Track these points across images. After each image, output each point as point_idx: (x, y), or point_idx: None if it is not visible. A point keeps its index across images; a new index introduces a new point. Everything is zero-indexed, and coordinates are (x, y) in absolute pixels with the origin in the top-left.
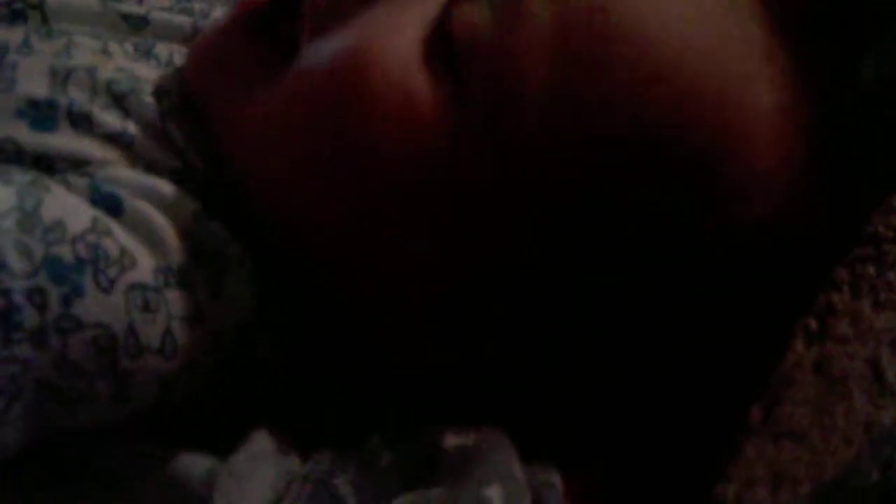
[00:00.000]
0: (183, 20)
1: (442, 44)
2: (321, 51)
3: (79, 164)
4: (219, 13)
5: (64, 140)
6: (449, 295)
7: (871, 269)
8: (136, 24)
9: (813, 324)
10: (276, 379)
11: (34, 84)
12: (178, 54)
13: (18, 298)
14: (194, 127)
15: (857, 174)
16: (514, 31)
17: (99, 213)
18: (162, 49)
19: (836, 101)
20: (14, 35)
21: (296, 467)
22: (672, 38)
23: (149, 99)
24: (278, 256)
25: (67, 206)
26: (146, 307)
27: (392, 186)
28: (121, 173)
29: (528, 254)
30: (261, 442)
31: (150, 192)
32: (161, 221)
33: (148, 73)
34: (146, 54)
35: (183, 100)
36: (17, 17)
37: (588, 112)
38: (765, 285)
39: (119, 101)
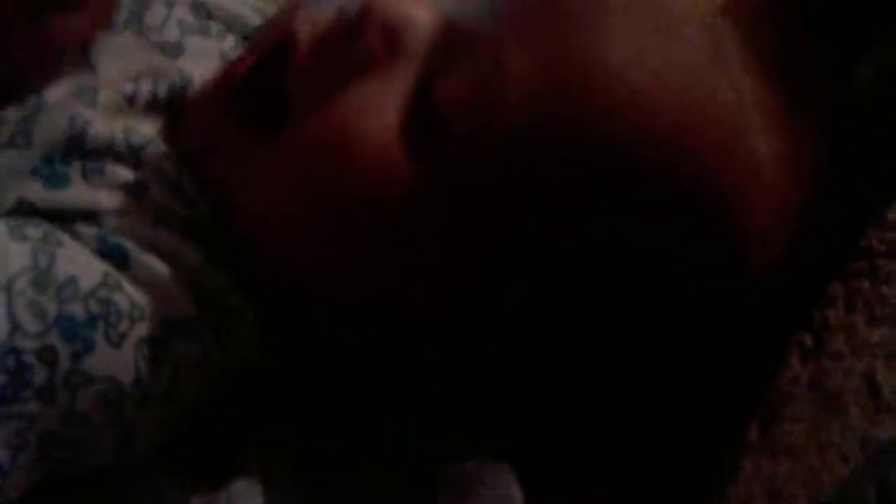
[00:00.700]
0: (210, 44)
1: (423, 114)
2: (310, 128)
3: (89, 216)
4: (230, 41)
5: (76, 194)
6: (449, 318)
7: (866, 284)
8: (174, 53)
9: (808, 340)
10: (272, 399)
11: (49, 141)
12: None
13: (28, 358)
14: (202, 179)
15: (857, 177)
16: (495, 95)
17: (108, 267)
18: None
19: (834, 133)
20: (56, 91)
21: (296, 490)
22: (657, 95)
23: (164, 148)
24: (280, 291)
25: (80, 262)
26: (154, 359)
27: (387, 243)
28: (128, 225)
29: (526, 288)
30: (260, 465)
31: (156, 244)
32: (167, 274)
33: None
34: (183, 89)
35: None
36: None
37: (576, 170)
38: (764, 318)
39: (135, 152)
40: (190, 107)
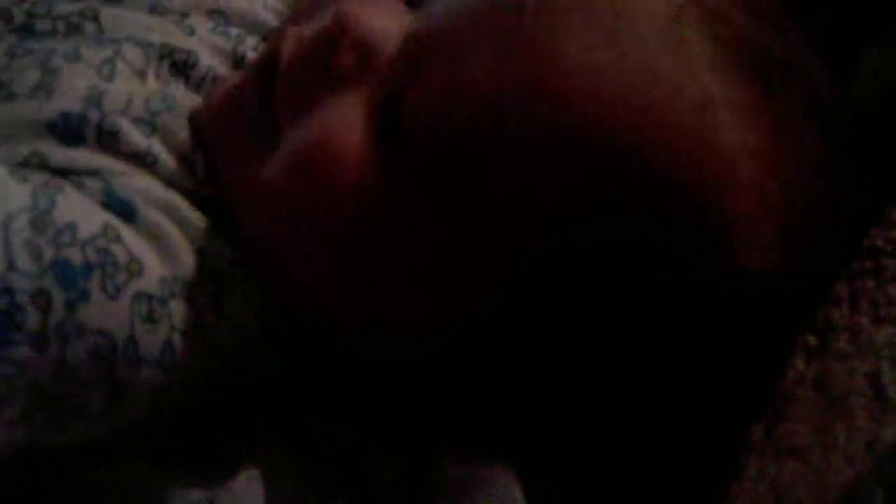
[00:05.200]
0: (226, 44)
1: (392, 125)
2: (292, 139)
3: (99, 174)
4: (251, 42)
5: (88, 156)
6: (437, 321)
7: (871, 284)
8: (188, 32)
9: (812, 340)
10: (273, 396)
11: (69, 100)
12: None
13: (22, 299)
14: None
15: (860, 177)
16: (453, 101)
17: (110, 218)
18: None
19: (827, 129)
20: (64, 43)
21: (295, 489)
22: (611, 89)
23: (183, 122)
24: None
25: (79, 210)
26: (150, 317)
27: (365, 252)
28: (137, 182)
29: (510, 288)
30: (260, 464)
31: (164, 202)
32: (173, 232)
33: (184, 97)
34: (191, 67)
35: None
36: (74, 29)
37: (538, 166)
38: (766, 318)
39: (153, 116)
40: (212, 99)
